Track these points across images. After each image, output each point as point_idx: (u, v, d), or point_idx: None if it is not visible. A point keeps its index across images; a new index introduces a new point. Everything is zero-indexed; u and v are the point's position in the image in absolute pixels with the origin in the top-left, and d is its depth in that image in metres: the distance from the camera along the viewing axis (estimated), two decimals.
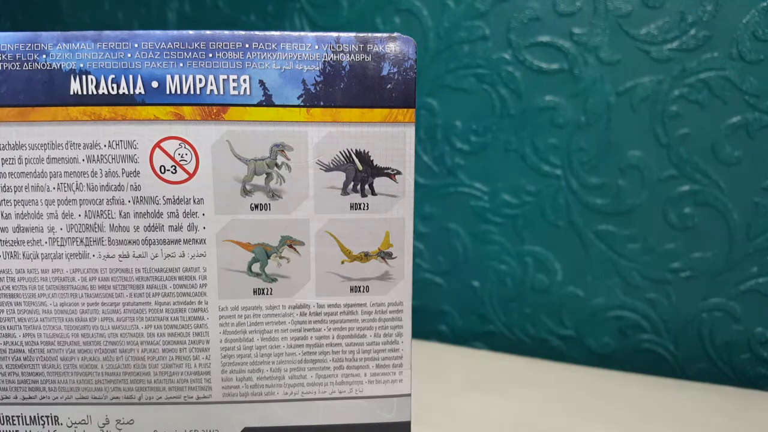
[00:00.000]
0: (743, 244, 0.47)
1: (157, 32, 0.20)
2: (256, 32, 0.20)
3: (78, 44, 0.20)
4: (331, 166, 0.21)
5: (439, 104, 0.52)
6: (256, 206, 0.21)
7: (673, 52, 0.45)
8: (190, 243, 0.21)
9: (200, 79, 0.20)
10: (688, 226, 0.48)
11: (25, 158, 0.20)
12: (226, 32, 0.20)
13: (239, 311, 0.22)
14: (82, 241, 0.21)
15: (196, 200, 0.21)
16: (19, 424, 0.22)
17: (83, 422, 0.22)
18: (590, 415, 0.42)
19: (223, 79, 0.20)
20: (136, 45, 0.20)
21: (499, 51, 0.50)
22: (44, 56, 0.20)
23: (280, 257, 0.22)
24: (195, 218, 0.21)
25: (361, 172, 0.21)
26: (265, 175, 0.21)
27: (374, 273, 0.22)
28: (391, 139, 0.21)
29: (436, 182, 0.54)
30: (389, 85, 0.21)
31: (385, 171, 0.21)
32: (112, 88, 0.20)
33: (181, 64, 0.20)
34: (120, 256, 0.21)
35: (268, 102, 0.20)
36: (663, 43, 0.45)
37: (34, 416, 0.22)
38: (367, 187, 0.21)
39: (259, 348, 0.22)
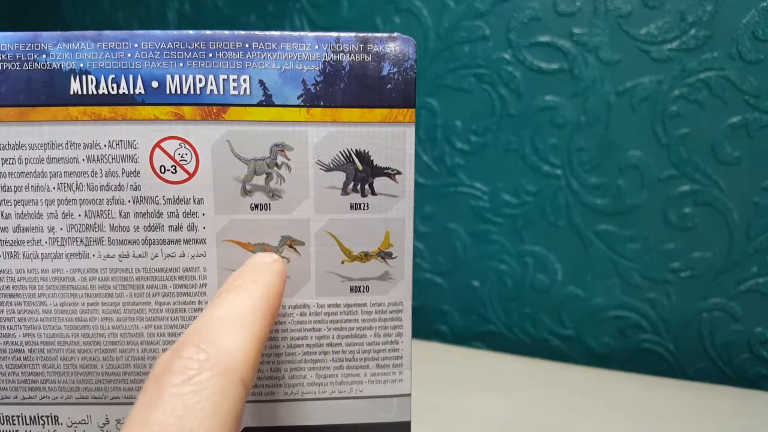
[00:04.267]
0: (743, 244, 0.47)
1: (157, 32, 0.20)
2: (256, 32, 0.20)
3: (78, 44, 0.20)
4: (331, 166, 0.21)
5: (439, 104, 0.52)
6: (256, 206, 0.21)
7: (673, 52, 0.45)
8: (190, 243, 0.21)
9: (200, 79, 0.20)
10: (688, 226, 0.48)
11: (25, 158, 0.20)
12: (226, 32, 0.20)
13: None
14: (82, 241, 0.21)
15: (196, 200, 0.21)
16: (19, 424, 0.22)
17: (83, 422, 0.22)
18: (590, 415, 0.42)
19: (223, 79, 0.20)
20: (136, 45, 0.20)
21: (499, 51, 0.50)
22: (44, 56, 0.20)
23: (280, 257, 0.22)
24: (195, 218, 0.21)
25: (361, 172, 0.21)
26: (265, 175, 0.21)
27: (374, 273, 0.22)
28: (391, 139, 0.21)
29: (436, 182, 0.54)
30: (389, 85, 0.21)
31: (385, 171, 0.21)
32: (112, 88, 0.20)
33: (181, 64, 0.20)
34: (120, 256, 0.21)
35: (268, 102, 0.20)
36: (663, 43, 0.45)
37: (34, 416, 0.22)
38: (367, 187, 0.21)
39: None
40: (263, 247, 0.21)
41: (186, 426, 0.14)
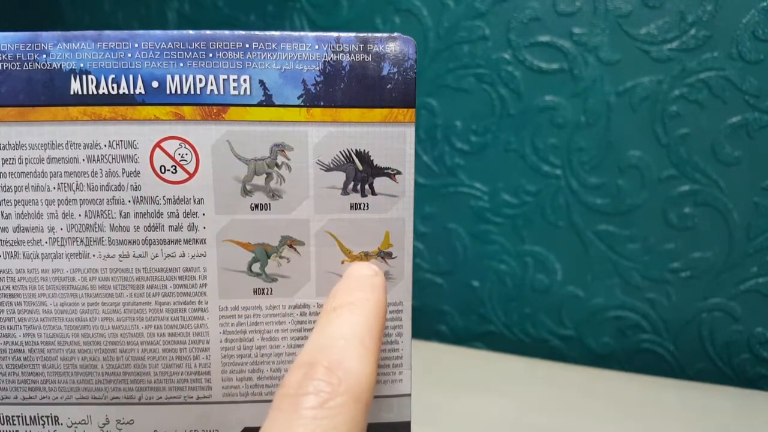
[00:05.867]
0: (743, 244, 0.47)
1: (157, 32, 0.20)
2: (256, 32, 0.20)
3: (78, 44, 0.20)
4: (331, 166, 0.21)
5: (439, 104, 0.53)
6: (256, 206, 0.21)
7: (673, 52, 0.45)
8: (190, 243, 0.21)
9: (200, 79, 0.20)
10: (688, 226, 0.48)
11: (25, 158, 0.20)
12: (226, 32, 0.20)
13: (239, 311, 0.22)
14: (82, 241, 0.21)
15: (196, 200, 0.21)
16: (19, 424, 0.22)
17: (83, 422, 0.22)
18: (590, 415, 0.42)
19: (223, 79, 0.20)
20: (136, 45, 0.20)
21: (499, 51, 0.50)
22: (44, 56, 0.20)
23: (280, 257, 0.22)
24: (195, 218, 0.21)
25: (361, 172, 0.21)
26: (265, 175, 0.21)
27: None
28: (391, 139, 0.21)
29: (436, 182, 0.54)
30: (389, 85, 0.21)
31: (385, 171, 0.21)
32: (112, 88, 0.20)
33: (181, 64, 0.20)
34: (120, 256, 0.21)
35: (268, 102, 0.20)
36: (663, 43, 0.45)
37: (34, 416, 0.22)
38: (367, 187, 0.21)
39: (259, 348, 0.22)
40: (264, 248, 0.21)
41: None
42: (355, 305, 0.18)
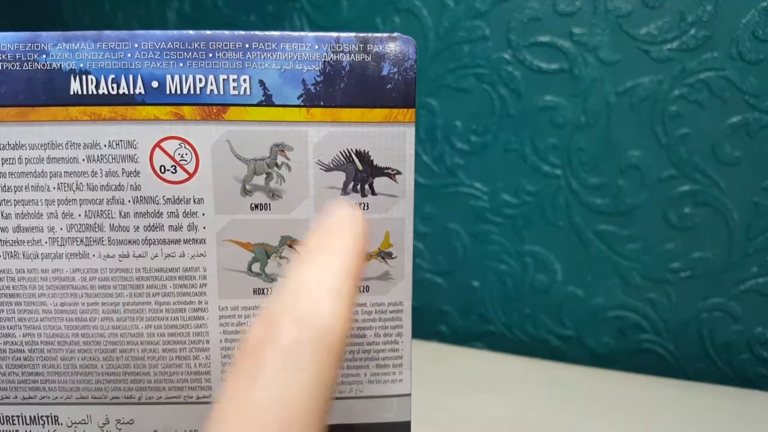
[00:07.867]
0: (743, 244, 0.47)
1: (157, 32, 0.20)
2: (256, 32, 0.20)
3: (78, 44, 0.20)
4: (331, 166, 0.21)
5: (439, 104, 0.52)
6: (256, 206, 0.21)
7: (673, 52, 0.45)
8: (190, 243, 0.21)
9: (200, 79, 0.20)
10: (688, 226, 0.48)
11: (25, 158, 0.20)
12: (226, 32, 0.20)
13: (239, 311, 0.22)
14: (82, 241, 0.21)
15: (196, 200, 0.21)
16: (19, 424, 0.22)
17: (83, 422, 0.22)
18: (590, 415, 0.42)
19: (223, 79, 0.20)
20: (136, 45, 0.20)
21: (499, 51, 0.50)
22: (44, 56, 0.20)
23: (280, 257, 0.22)
24: (195, 218, 0.21)
25: (361, 172, 0.21)
26: (265, 175, 0.21)
27: (374, 273, 0.22)
28: (391, 139, 0.21)
29: (436, 182, 0.54)
30: (389, 85, 0.21)
31: (385, 171, 0.21)
32: (112, 88, 0.20)
33: (181, 64, 0.20)
34: (120, 256, 0.21)
35: (268, 102, 0.20)
36: (663, 43, 0.45)
37: (34, 416, 0.22)
38: (367, 187, 0.21)
39: None
40: (264, 248, 0.21)
41: (287, 402, 0.13)
42: (334, 247, 0.17)
